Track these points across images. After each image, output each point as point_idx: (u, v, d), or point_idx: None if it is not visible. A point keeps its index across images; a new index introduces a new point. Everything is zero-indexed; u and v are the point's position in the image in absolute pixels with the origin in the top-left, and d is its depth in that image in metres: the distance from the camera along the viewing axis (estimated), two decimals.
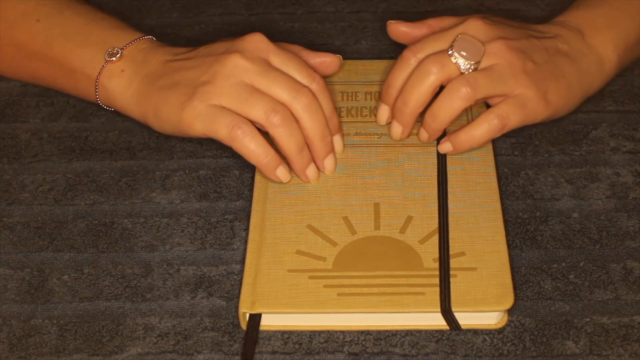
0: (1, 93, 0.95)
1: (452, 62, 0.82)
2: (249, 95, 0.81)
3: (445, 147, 0.85)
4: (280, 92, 0.81)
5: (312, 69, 0.84)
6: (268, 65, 0.83)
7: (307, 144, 0.83)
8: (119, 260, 0.81)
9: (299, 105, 0.81)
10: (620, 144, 0.89)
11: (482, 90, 0.82)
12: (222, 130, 0.81)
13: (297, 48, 0.87)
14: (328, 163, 0.84)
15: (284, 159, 0.83)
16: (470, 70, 0.82)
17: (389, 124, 0.87)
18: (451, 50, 0.82)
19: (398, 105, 0.85)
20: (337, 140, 0.86)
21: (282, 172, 0.83)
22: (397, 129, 0.86)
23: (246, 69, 0.82)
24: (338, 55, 0.89)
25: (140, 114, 0.86)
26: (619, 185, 0.85)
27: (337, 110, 0.88)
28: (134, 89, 0.86)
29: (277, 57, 0.83)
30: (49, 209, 0.85)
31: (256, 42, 0.83)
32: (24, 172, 0.88)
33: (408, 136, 0.87)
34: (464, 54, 0.82)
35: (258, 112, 0.81)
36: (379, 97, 0.88)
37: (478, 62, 0.82)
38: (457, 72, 0.83)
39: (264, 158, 0.81)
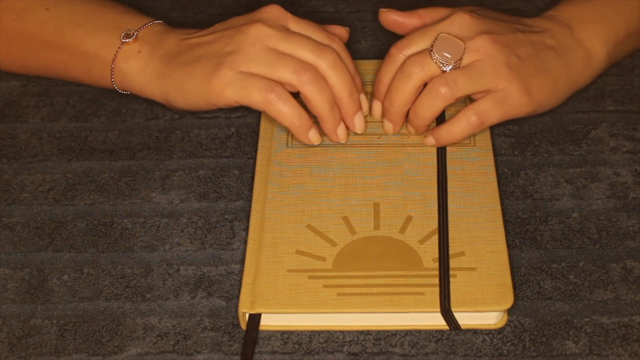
0: (1, 93, 0.95)
1: (432, 61, 0.83)
2: (277, 58, 0.83)
3: (429, 140, 0.86)
4: (306, 53, 0.83)
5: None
6: (289, 31, 0.85)
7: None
8: (119, 260, 0.81)
9: (325, 64, 0.83)
10: (620, 144, 0.89)
11: (462, 89, 0.83)
12: (256, 94, 0.82)
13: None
14: (358, 120, 0.86)
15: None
16: (450, 69, 0.83)
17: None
18: (432, 49, 0.83)
19: (385, 105, 0.86)
20: (363, 98, 0.87)
21: (314, 134, 0.85)
22: (388, 126, 0.88)
23: (269, 35, 0.83)
24: (346, 27, 0.91)
25: (161, 92, 0.86)
26: (619, 185, 0.85)
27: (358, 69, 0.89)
28: (152, 69, 0.87)
29: (296, 23, 0.86)
30: (48, 208, 0.85)
31: (274, 11, 0.86)
32: (23, 172, 0.88)
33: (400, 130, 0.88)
34: (445, 54, 0.83)
35: (288, 72, 0.82)
36: (372, 94, 0.89)
37: (459, 60, 0.83)
38: (438, 71, 0.83)
39: (297, 120, 0.83)
